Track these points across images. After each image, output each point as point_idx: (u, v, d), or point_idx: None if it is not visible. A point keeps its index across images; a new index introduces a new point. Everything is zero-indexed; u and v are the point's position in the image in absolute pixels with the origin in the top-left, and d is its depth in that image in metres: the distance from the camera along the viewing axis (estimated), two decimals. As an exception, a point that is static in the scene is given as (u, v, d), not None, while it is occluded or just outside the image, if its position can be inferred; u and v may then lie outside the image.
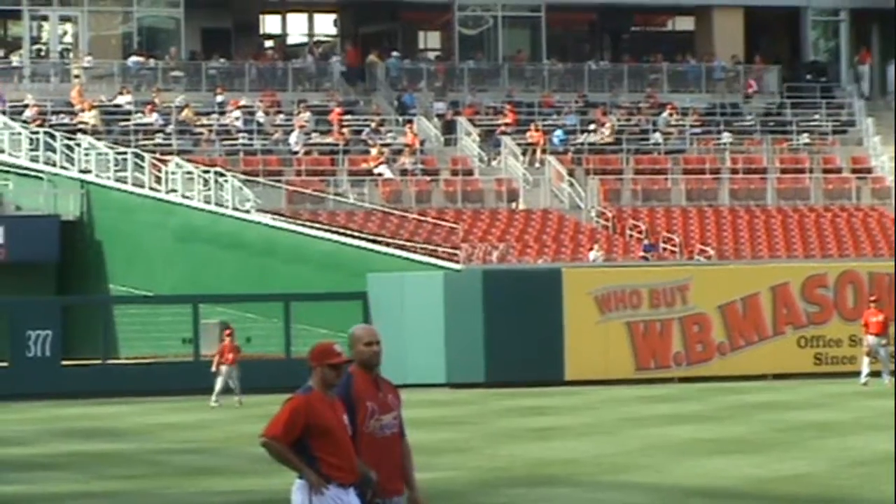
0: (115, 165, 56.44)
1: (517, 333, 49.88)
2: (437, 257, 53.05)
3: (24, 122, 58.55)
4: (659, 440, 32.53)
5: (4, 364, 49.31)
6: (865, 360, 47.66)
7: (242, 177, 56.34)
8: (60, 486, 27.17)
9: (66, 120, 59.09)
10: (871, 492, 24.39)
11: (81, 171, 56.35)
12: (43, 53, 64.20)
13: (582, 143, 62.15)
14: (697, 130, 64.22)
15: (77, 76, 62.55)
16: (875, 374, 46.93)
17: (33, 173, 56.53)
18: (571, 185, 58.93)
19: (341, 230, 54.50)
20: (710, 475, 26.57)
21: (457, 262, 52.65)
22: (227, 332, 46.98)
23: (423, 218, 55.25)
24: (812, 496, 24.05)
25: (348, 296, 49.07)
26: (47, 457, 32.14)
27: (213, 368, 45.18)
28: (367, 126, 62.48)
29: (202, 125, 61.14)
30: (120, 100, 61.65)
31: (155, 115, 61.20)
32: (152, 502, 24.83)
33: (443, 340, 49.33)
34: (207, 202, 55.48)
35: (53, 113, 59.72)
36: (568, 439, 33.47)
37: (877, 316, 48.60)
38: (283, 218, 55.08)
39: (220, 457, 30.30)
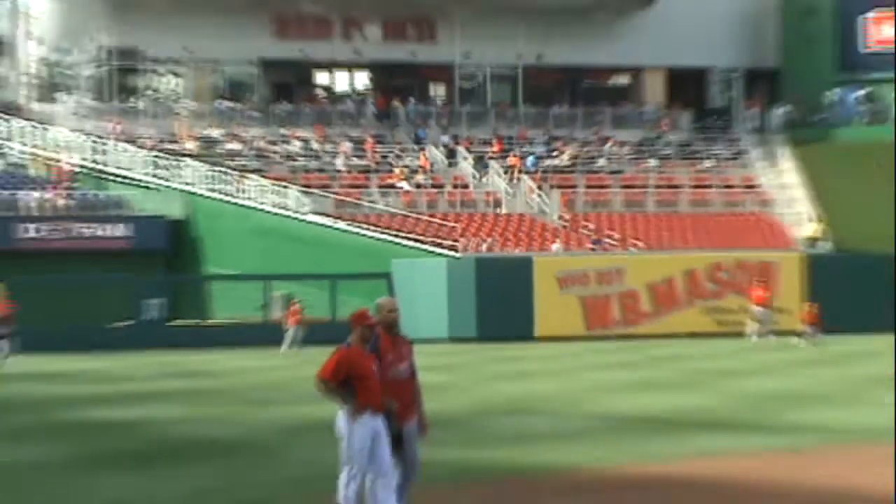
0: (209, 181, 56.25)
1: (500, 303, 49.92)
2: (442, 248, 52.89)
3: (143, 148, 58.24)
4: (604, 381, 32.41)
5: (129, 323, 49.13)
6: (751, 324, 47.60)
7: (301, 189, 56.12)
8: (166, 412, 27.01)
9: (174, 147, 58.82)
10: (757, 418, 24.16)
11: (185, 185, 56.19)
12: (156, 98, 63.81)
13: (547, 166, 61.89)
14: (632, 157, 63.91)
15: (181, 115, 62.29)
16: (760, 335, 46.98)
17: (151, 186, 56.33)
18: (540, 196, 58.70)
19: (373, 228, 54.40)
20: (640, 407, 26.37)
21: (456, 251, 52.46)
22: (294, 301, 46.89)
23: (432, 219, 55.07)
24: (715, 420, 23.85)
25: (377, 276, 49.05)
26: (157, 391, 32.02)
27: (286, 326, 45.25)
28: (392, 152, 62.35)
29: (272, 151, 60.90)
30: (212, 132, 61.46)
31: (238, 144, 60.98)
32: (234, 424, 24.60)
33: (446, 308, 49.34)
34: (275, 207, 55.38)
35: (164, 142, 59.47)
36: (537, 380, 33.33)
37: (760, 292, 48.56)
38: (330, 219, 54.94)
39: (284, 392, 30.26)
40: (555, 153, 63.29)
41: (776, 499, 16.08)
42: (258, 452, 20.72)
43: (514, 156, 61.86)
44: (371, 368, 13.54)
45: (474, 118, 65.59)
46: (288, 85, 66.49)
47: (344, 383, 13.47)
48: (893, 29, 65.65)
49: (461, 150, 62.19)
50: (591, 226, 57.26)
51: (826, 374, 33.09)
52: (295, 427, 22.86)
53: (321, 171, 59.83)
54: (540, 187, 59.26)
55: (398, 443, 13.61)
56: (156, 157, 57.78)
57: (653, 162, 63.39)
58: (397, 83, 66.97)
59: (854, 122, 65.76)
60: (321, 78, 68.54)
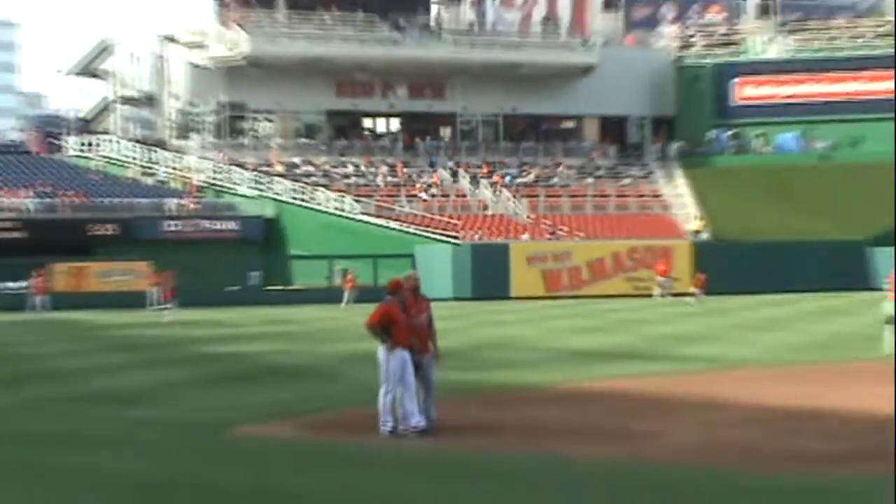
0: (291, 192, 56.24)
1: (487, 274, 49.87)
2: (448, 238, 52.80)
3: (246, 170, 58.23)
4: (558, 328, 32.29)
5: (238, 288, 49.07)
6: (656, 289, 47.47)
7: (353, 197, 56.04)
8: (260, 347, 26.96)
9: (267, 169, 58.77)
10: (660, 351, 24.04)
11: (275, 195, 56.21)
12: (255, 136, 63.74)
13: (519, 182, 61.60)
14: (576, 176, 63.61)
15: (272, 147, 62.18)
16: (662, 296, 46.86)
17: (251, 196, 56.34)
18: (514, 202, 58.47)
19: (401, 224, 54.31)
20: (582, 344, 26.27)
21: (458, 240, 52.38)
22: (348, 273, 46.88)
23: (441, 218, 54.90)
24: (632, 353, 23.69)
25: (405, 256, 48.91)
26: (255, 333, 31.94)
27: (346, 290, 45.23)
28: (414, 173, 62.05)
29: (334, 172, 60.68)
30: (294, 159, 61.26)
31: (311, 167, 60.82)
32: (306, 355, 24.52)
33: (451, 277, 49.19)
34: (336, 210, 55.30)
35: (261, 166, 59.43)
36: (512, 327, 33.22)
37: (662, 267, 48.51)
38: (373, 217, 54.86)
39: (343, 333, 30.07)
40: (524, 173, 63.00)
41: (671, 403, 16.15)
42: (322, 375, 20.72)
43: (497, 175, 61.50)
44: (401, 318, 13.57)
45: (470, 150, 65.23)
46: (344, 127, 66.21)
47: (384, 328, 13.57)
48: (753, 90, 65.77)
49: (461, 171, 61.91)
50: (549, 223, 56.93)
51: (707, 322, 33.05)
52: (348, 357, 22.79)
53: (367, 185, 59.52)
54: (514, 196, 59.06)
55: (418, 368, 13.59)
56: (255, 176, 57.61)
57: (590, 180, 62.96)
58: (418, 126, 66.66)
59: (725, 153, 65.49)
60: (367, 123, 68.23)
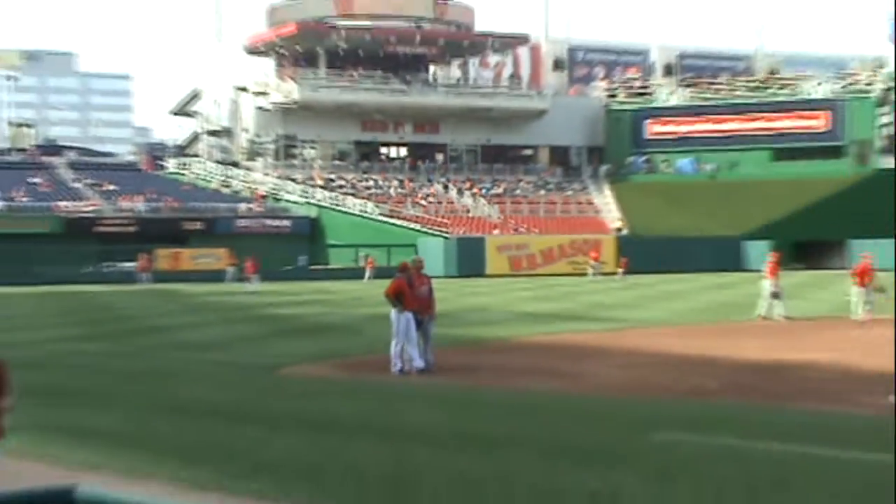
0: (329, 199, 55.91)
1: (469, 258, 49.47)
2: (441, 233, 52.53)
3: (297, 183, 57.81)
4: (519, 297, 32.10)
5: (291, 268, 48.67)
6: (591, 270, 47.23)
7: (374, 203, 55.78)
8: (306, 310, 26.69)
9: (311, 182, 58.33)
10: (594, 314, 23.87)
11: (317, 201, 55.86)
12: (303, 159, 63.32)
13: (492, 194, 61.32)
14: (532, 189, 63.42)
15: (314, 168, 61.80)
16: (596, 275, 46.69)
17: (300, 202, 56.00)
18: (488, 207, 58.21)
19: (408, 222, 54.01)
20: (537, 308, 26.10)
21: (447, 235, 52.10)
22: (370, 257, 46.52)
23: (436, 218, 54.78)
24: (573, 314, 23.56)
25: (410, 245, 48.36)
26: (302, 300, 31.68)
27: (367, 270, 44.77)
28: (417, 186, 61.66)
29: (360, 185, 60.29)
30: (330, 176, 60.84)
31: (343, 182, 60.36)
32: (339, 315, 24.28)
33: (442, 261, 48.66)
34: (360, 212, 54.96)
35: (307, 181, 58.99)
36: (487, 296, 33.03)
37: (594, 254, 48.25)
38: (388, 217, 54.58)
39: (365, 300, 29.71)
40: (496, 187, 62.67)
41: (600, 351, 15.98)
42: (350, 330, 20.52)
43: (476, 188, 61.23)
44: (408, 290, 13.59)
45: (456, 170, 64.83)
46: (367, 153, 65.73)
47: (396, 296, 13.55)
48: (660, 127, 65.55)
49: (451, 185, 61.60)
50: (513, 222, 56.75)
51: (627, 294, 32.90)
52: (369, 318, 22.50)
53: (383, 194, 59.03)
54: (488, 203, 58.80)
55: (420, 326, 13.55)
56: (302, 188, 57.16)
57: (542, 192, 62.70)
58: (420, 153, 66.23)
59: (639, 173, 65.23)
60: (383, 150, 67.74)
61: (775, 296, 21.83)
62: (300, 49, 62.88)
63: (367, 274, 44.64)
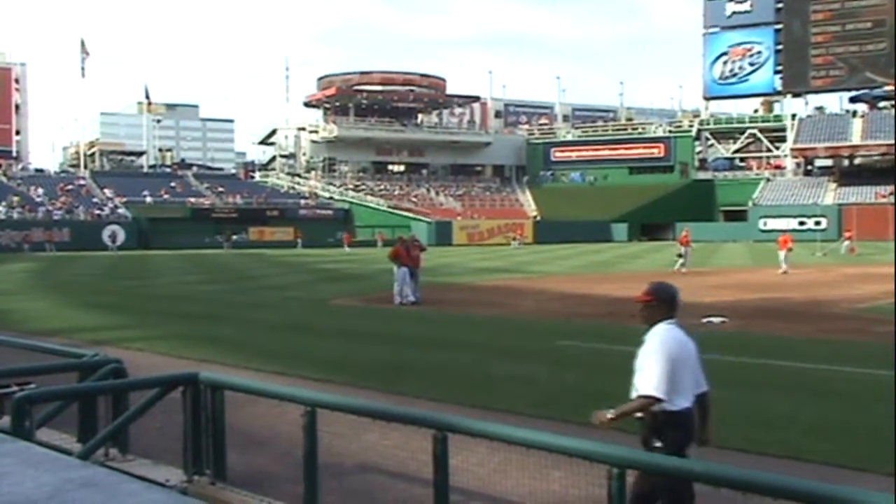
0: (356, 198, 54.83)
1: (443, 233, 48.60)
2: (428, 219, 51.93)
3: (335, 187, 56.71)
4: (474, 258, 31.72)
5: (332, 239, 46.85)
6: (514, 243, 46.61)
7: (384, 200, 54.81)
8: (342, 266, 26.32)
9: (345, 187, 57.11)
10: (520, 267, 23.85)
11: (350, 199, 54.77)
12: (341, 173, 62.02)
13: (456, 194, 60.70)
14: (480, 192, 62.79)
15: (347, 178, 60.68)
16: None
17: (337, 198, 54.87)
18: (455, 202, 57.66)
19: (405, 212, 53.33)
20: (483, 264, 25.98)
21: (430, 220, 51.59)
22: (381, 233, 45.72)
23: (422, 209, 54.16)
24: (505, 268, 23.52)
25: (406, 226, 47.39)
26: (339, 260, 31.05)
27: (380, 241, 43.29)
28: (412, 189, 60.88)
29: (376, 189, 59.40)
30: (357, 183, 59.80)
31: (364, 186, 59.33)
32: (359, 268, 24.02)
33: (426, 236, 47.20)
34: (376, 205, 54.07)
35: (342, 185, 57.80)
36: (453, 258, 32.62)
37: (518, 233, 47.87)
38: (393, 209, 53.79)
39: (377, 260, 28.36)
40: (459, 190, 62.28)
41: (522, 290, 15.89)
42: (368, 277, 20.24)
43: (448, 193, 60.83)
44: (405, 253, 13.50)
45: (435, 180, 63.91)
46: (380, 169, 64.73)
47: (397, 257, 13.42)
48: (561, 153, 65.31)
49: (432, 190, 61.00)
50: (470, 213, 56.08)
51: (538, 256, 32.72)
52: (381, 270, 21.81)
53: (390, 194, 58.32)
54: (455, 200, 58.38)
55: (413, 276, 13.52)
56: (340, 190, 55.91)
57: (488, 193, 62.28)
58: (413, 169, 65.25)
59: (548, 183, 64.99)
60: (390, 167, 66.98)
61: (680, 256, 21.75)
62: (338, 104, 61.90)
63: (379, 244, 44.15)
